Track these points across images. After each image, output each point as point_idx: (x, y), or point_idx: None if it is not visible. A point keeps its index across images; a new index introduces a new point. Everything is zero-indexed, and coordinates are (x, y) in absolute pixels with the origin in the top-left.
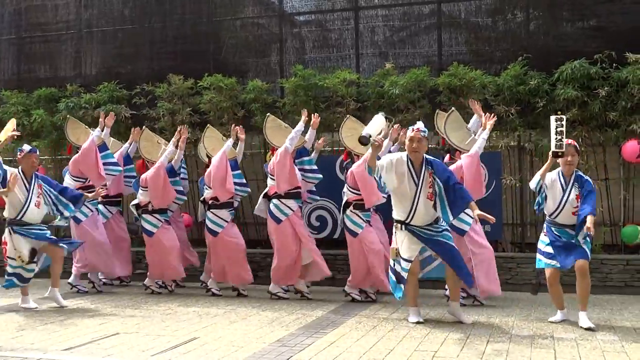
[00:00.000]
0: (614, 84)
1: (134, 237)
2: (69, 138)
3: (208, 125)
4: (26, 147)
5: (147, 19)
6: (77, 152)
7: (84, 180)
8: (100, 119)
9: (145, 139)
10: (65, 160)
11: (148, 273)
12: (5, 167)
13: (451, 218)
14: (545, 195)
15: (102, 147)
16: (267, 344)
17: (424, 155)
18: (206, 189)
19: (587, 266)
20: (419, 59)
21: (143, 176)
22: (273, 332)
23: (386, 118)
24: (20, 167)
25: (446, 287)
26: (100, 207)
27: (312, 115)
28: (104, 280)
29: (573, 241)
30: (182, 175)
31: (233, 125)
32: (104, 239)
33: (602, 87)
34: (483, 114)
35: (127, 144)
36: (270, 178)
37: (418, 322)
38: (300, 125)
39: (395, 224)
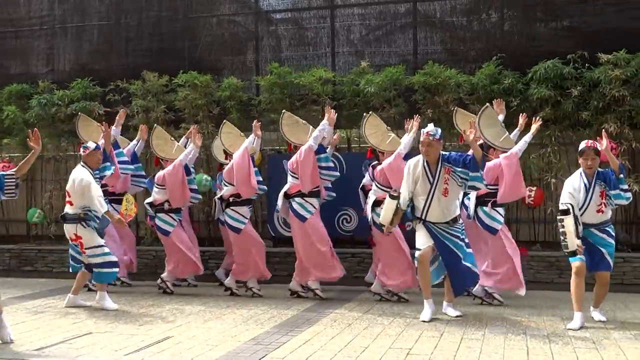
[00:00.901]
0: (586, 84)
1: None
2: (80, 135)
3: (225, 121)
4: (91, 145)
5: (122, 15)
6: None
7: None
8: (117, 117)
9: (157, 137)
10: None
11: (168, 270)
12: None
13: (476, 171)
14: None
15: (114, 145)
16: (241, 343)
17: (440, 153)
18: (225, 185)
19: (609, 277)
20: (395, 57)
21: (160, 174)
22: (248, 330)
23: (392, 197)
24: (86, 164)
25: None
26: None
27: (330, 111)
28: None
29: (601, 248)
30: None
31: (256, 121)
32: (112, 239)
33: (574, 87)
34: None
35: (134, 142)
36: (292, 176)
37: (429, 320)
38: (325, 123)
39: (415, 220)
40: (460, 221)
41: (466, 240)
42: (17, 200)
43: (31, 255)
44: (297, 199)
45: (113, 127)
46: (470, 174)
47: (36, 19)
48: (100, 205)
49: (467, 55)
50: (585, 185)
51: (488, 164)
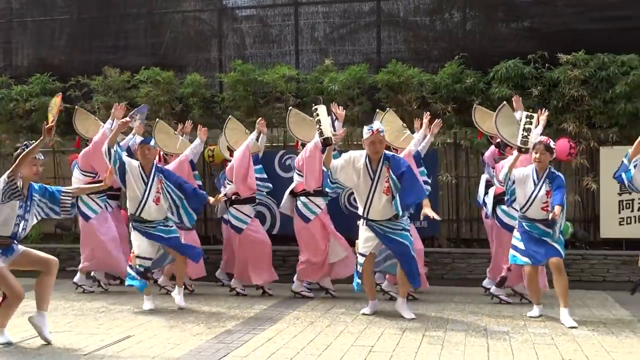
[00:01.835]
0: (546, 84)
1: (64, 233)
2: (77, 130)
3: (230, 116)
4: (138, 139)
5: (84, 10)
6: (87, 144)
7: (94, 175)
8: (112, 110)
9: (160, 130)
10: (68, 153)
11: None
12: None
13: (400, 210)
14: (514, 189)
15: None
16: (203, 341)
17: (384, 152)
18: (228, 183)
19: (561, 263)
20: (358, 56)
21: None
22: (210, 329)
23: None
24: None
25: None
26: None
27: (338, 108)
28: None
29: (545, 238)
30: None
31: (259, 119)
32: (110, 237)
33: (535, 87)
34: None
35: (130, 136)
36: (298, 174)
37: (372, 314)
38: (333, 120)
39: (359, 220)
40: (404, 217)
41: (410, 232)
42: None
43: None
44: (303, 199)
45: (108, 121)
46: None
47: None
48: None
49: (430, 55)
50: (533, 179)
51: (503, 162)
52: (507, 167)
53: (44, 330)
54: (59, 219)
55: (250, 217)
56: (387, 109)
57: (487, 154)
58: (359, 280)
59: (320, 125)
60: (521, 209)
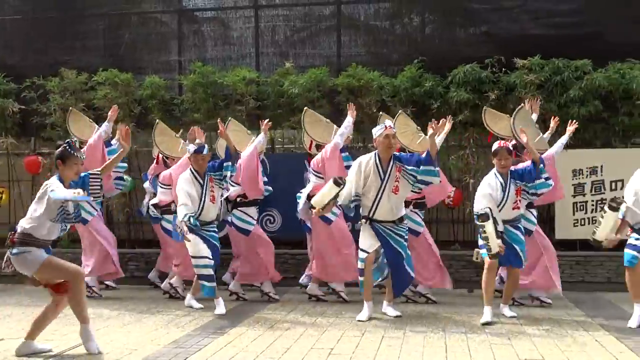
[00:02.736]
0: (503, 88)
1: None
2: (71, 132)
3: (230, 118)
4: (191, 148)
5: (40, 10)
6: (80, 147)
7: None
8: (109, 112)
9: (162, 133)
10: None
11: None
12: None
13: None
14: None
15: (106, 143)
16: (161, 346)
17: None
18: (231, 185)
19: (519, 274)
20: (319, 59)
21: (165, 173)
22: (168, 333)
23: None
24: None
25: None
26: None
27: (353, 109)
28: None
29: (514, 244)
30: None
31: (266, 121)
32: (106, 242)
33: (492, 91)
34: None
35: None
36: (317, 176)
37: (367, 319)
38: (350, 121)
39: (362, 220)
40: (406, 221)
41: (407, 241)
42: None
43: None
44: None
45: (105, 124)
46: (421, 167)
47: None
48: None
49: (389, 58)
50: (501, 184)
51: (522, 165)
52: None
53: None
54: None
55: (255, 219)
56: (400, 111)
57: None
58: (361, 278)
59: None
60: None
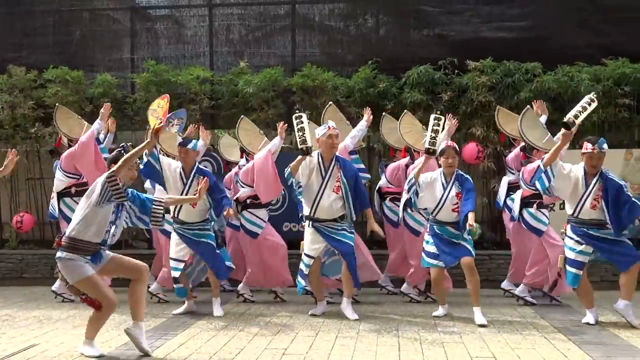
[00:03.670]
0: (455, 89)
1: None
2: (59, 129)
3: (242, 116)
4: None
5: None
6: (70, 145)
7: (77, 177)
8: (102, 110)
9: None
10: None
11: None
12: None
13: (354, 217)
14: (417, 192)
15: (97, 141)
16: (113, 348)
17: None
18: (241, 186)
19: (473, 263)
20: (274, 59)
21: None
22: (120, 335)
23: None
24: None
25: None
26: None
27: (369, 112)
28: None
29: (454, 239)
30: None
31: (282, 123)
32: None
33: (445, 92)
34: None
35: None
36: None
37: (320, 314)
38: (364, 124)
39: (305, 220)
40: (347, 218)
41: (353, 233)
42: None
43: None
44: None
45: (97, 122)
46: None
47: None
48: None
49: (344, 59)
50: (442, 182)
51: (531, 165)
52: (415, 171)
53: (142, 341)
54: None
55: (265, 222)
56: (405, 111)
57: (511, 156)
58: (303, 283)
59: (304, 133)
60: (431, 213)
